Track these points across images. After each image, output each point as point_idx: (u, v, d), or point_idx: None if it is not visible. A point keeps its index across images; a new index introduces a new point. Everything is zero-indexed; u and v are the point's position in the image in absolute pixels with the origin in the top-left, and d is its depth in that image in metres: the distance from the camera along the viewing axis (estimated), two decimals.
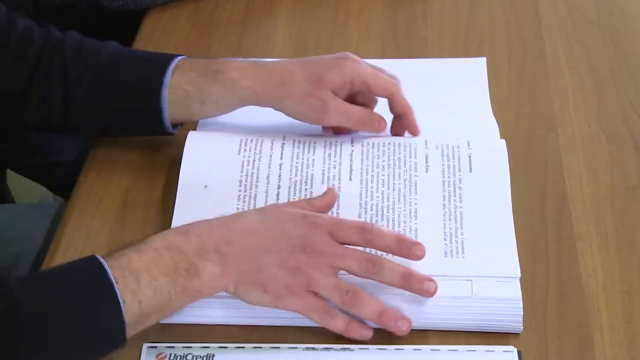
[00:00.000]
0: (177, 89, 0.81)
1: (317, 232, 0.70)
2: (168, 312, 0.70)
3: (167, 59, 0.83)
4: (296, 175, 0.81)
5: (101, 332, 0.65)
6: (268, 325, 0.74)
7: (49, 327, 0.63)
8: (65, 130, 0.87)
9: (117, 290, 0.64)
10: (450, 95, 0.93)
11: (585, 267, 0.78)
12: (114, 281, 0.64)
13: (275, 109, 0.82)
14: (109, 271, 0.65)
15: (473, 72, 0.96)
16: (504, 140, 0.85)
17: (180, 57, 0.84)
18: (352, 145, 0.83)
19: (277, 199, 0.80)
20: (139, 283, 0.66)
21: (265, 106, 0.82)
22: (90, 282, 0.65)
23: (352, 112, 0.81)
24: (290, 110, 0.81)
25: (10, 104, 0.83)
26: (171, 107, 0.82)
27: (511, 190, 0.82)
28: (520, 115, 0.93)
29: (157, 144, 0.90)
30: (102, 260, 0.66)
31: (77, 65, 0.82)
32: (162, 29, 1.05)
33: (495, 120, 0.90)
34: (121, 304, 0.65)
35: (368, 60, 0.89)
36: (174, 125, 0.85)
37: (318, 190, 0.80)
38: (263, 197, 0.80)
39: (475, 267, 0.74)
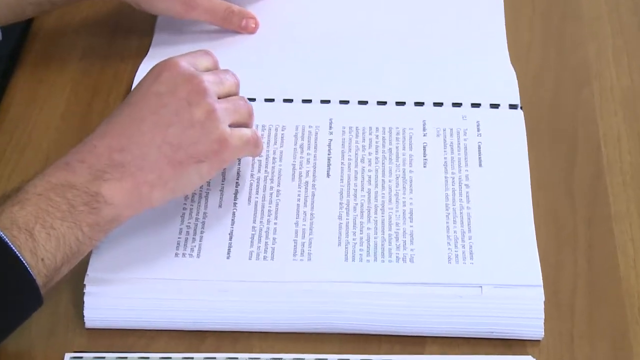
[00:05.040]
0: None
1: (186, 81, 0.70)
2: (83, 255, 0.67)
3: None
4: (259, 171, 0.77)
5: (14, 302, 0.64)
6: (224, 330, 0.70)
7: None
8: None
9: (17, 253, 0.62)
10: (458, 40, 0.88)
11: (623, 256, 0.74)
12: (10, 244, 0.62)
13: (142, 7, 0.86)
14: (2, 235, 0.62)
15: (487, 11, 0.91)
16: (521, 113, 0.80)
17: None
18: (331, 133, 0.79)
19: (235, 200, 0.75)
20: (34, 239, 0.63)
21: (131, 3, 0.87)
22: None
23: (216, 8, 0.88)
24: (155, 6, 0.86)
25: None
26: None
27: (532, 159, 0.78)
28: (546, 65, 0.88)
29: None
30: None
31: None
32: None
33: (513, 72, 0.85)
34: (27, 267, 0.62)
35: None
36: None
37: (287, 189, 0.76)
38: (217, 198, 0.75)
39: (486, 274, 0.70)
